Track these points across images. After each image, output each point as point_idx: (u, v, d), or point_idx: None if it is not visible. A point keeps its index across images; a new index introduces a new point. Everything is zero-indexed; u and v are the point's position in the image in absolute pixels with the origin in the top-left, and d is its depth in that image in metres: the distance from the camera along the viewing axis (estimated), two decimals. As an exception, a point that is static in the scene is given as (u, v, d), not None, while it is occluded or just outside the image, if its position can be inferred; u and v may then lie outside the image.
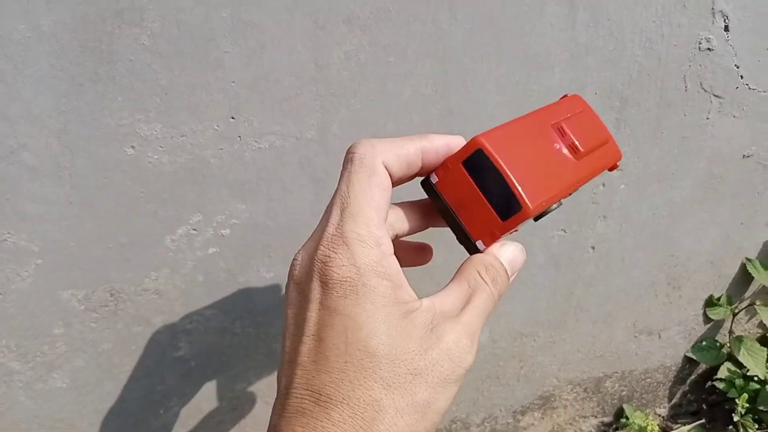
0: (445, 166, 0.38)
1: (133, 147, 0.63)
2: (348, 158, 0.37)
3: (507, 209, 0.37)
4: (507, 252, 0.40)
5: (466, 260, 0.39)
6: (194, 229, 0.69)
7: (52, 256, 0.65)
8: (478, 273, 0.38)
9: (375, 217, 0.35)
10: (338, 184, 0.37)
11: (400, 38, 0.67)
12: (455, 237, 0.40)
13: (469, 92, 0.73)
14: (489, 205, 0.37)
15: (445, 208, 0.39)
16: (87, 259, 0.66)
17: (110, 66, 0.59)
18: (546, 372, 1.05)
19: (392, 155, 0.37)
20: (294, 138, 0.68)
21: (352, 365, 0.32)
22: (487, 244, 0.39)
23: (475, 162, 0.37)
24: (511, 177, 0.36)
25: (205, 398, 0.79)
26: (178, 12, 0.59)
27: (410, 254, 0.46)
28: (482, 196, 0.37)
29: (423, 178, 0.40)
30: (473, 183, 0.37)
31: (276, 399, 0.34)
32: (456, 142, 0.39)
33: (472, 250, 0.40)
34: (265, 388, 0.82)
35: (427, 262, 0.47)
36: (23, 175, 0.61)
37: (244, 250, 0.72)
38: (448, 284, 0.38)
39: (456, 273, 0.39)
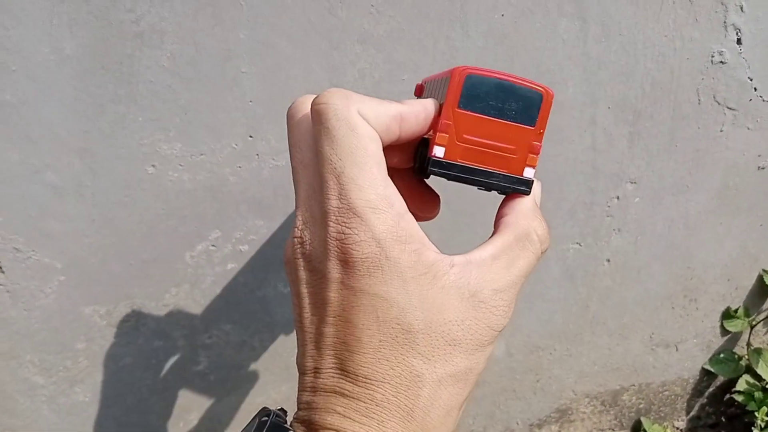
0: (444, 127, 0.34)
1: (153, 166, 0.64)
2: (317, 111, 0.32)
3: (529, 110, 0.34)
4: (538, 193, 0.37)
5: (512, 208, 0.36)
6: (213, 245, 0.70)
7: (75, 273, 0.66)
8: (534, 231, 0.35)
9: (378, 176, 0.31)
10: (315, 146, 0.32)
11: (413, 56, 0.68)
12: (485, 189, 0.36)
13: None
14: (513, 124, 0.34)
15: (470, 172, 0.35)
16: (109, 275, 0.68)
17: (131, 87, 0.61)
18: (563, 385, 1.04)
19: (369, 110, 0.32)
20: (310, 155, 0.69)
21: (387, 343, 0.31)
22: (534, 166, 0.35)
23: (472, 92, 0.33)
24: (515, 77, 0.34)
25: (225, 411, 0.80)
26: (196, 34, 0.60)
27: (414, 208, 0.37)
28: (502, 121, 0.34)
29: (418, 166, 0.36)
30: (485, 116, 0.34)
31: (303, 378, 0.33)
32: (432, 105, 0.35)
33: (512, 189, 0.36)
34: (284, 402, 0.83)
35: (435, 216, 0.42)
36: (47, 194, 0.62)
37: (262, 266, 0.73)
38: (493, 236, 0.35)
39: (502, 224, 0.35)
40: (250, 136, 0.66)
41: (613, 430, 1.15)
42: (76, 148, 0.61)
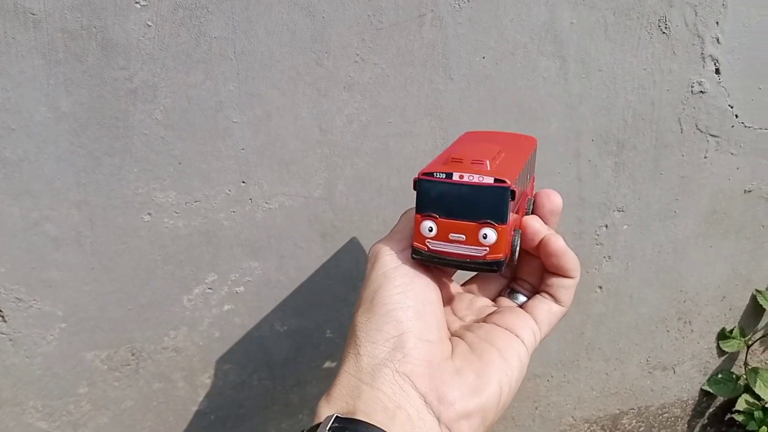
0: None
1: (149, 214, 0.66)
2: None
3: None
4: None
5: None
6: (210, 288, 0.72)
7: (76, 320, 0.68)
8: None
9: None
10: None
11: (399, 100, 0.70)
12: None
13: (469, 145, 0.76)
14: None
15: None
16: (109, 320, 0.69)
17: (126, 140, 0.63)
18: (561, 411, 1.05)
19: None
20: (302, 197, 0.71)
21: None
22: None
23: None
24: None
25: (226, 450, 0.82)
26: (188, 88, 0.63)
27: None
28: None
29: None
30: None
31: None
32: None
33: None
34: (284, 439, 0.84)
35: None
36: (47, 245, 0.64)
37: (258, 306, 0.75)
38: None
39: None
40: (243, 182, 0.68)
41: (613, 454, 1.16)
42: (75, 200, 0.64)
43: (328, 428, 0.36)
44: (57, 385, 0.70)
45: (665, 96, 0.83)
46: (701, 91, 0.85)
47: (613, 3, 0.75)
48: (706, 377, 1.16)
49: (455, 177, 0.40)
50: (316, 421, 0.39)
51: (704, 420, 1.22)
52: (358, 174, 0.73)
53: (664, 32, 0.79)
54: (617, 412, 1.11)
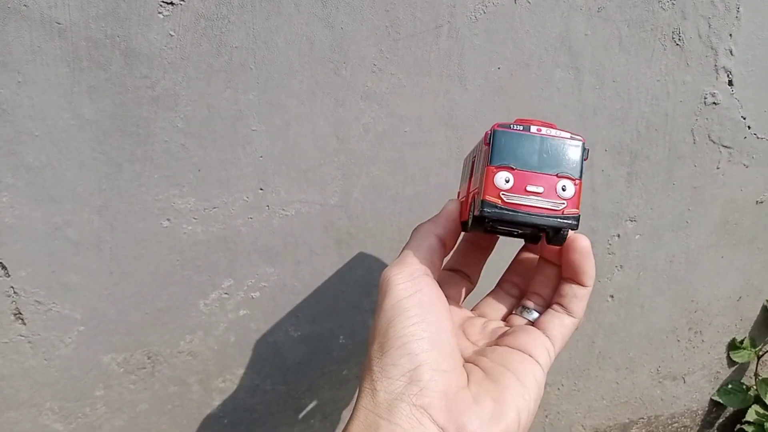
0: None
1: (168, 219, 0.67)
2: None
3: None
4: None
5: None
6: (226, 293, 0.73)
7: (94, 323, 0.69)
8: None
9: None
10: None
11: (414, 109, 0.71)
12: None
13: (483, 155, 0.77)
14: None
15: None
16: (126, 324, 0.70)
17: (147, 147, 0.64)
18: (571, 420, 1.06)
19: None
20: (318, 204, 0.72)
21: None
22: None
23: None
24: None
25: (239, 454, 0.82)
26: (209, 96, 0.64)
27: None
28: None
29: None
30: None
31: None
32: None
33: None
34: (296, 443, 0.85)
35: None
36: (67, 249, 0.65)
37: (273, 311, 0.76)
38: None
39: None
40: (261, 189, 0.69)
41: (623, 463, 1.16)
42: (96, 205, 0.65)
43: None
44: (74, 387, 0.71)
45: (678, 107, 0.84)
46: (714, 103, 0.85)
47: (628, 15, 0.76)
48: (716, 387, 1.16)
49: (533, 129, 0.40)
50: None
51: (714, 430, 1.22)
52: (374, 182, 0.73)
53: (677, 44, 0.80)
54: (627, 421, 1.11)
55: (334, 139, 0.70)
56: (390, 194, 0.75)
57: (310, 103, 0.67)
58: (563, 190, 0.39)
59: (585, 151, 0.40)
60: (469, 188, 0.47)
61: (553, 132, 0.40)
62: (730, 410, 1.20)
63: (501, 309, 0.52)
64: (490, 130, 0.41)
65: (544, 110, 0.77)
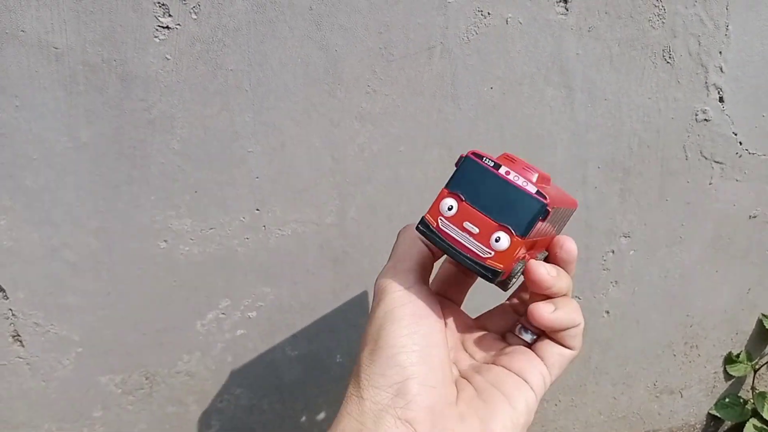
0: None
1: (165, 241, 0.68)
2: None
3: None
4: None
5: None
6: (223, 313, 0.73)
7: (92, 344, 0.69)
8: None
9: None
10: None
11: (409, 129, 0.72)
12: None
13: (477, 173, 0.78)
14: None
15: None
16: (124, 345, 0.71)
17: (144, 169, 0.65)
18: (569, 435, 1.06)
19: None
20: (314, 224, 0.73)
21: None
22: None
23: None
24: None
25: (237, 474, 0.82)
26: (204, 118, 0.65)
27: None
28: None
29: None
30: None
31: None
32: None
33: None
34: (294, 463, 0.85)
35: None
36: (65, 271, 0.66)
37: (269, 331, 0.76)
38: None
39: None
40: (257, 209, 0.70)
41: (621, 478, 1.16)
42: (93, 227, 0.65)
43: None
44: (72, 408, 0.71)
45: (670, 124, 0.85)
46: (705, 119, 0.86)
47: (618, 34, 0.77)
48: (714, 401, 1.16)
49: (502, 170, 0.38)
50: None
51: (712, 444, 1.22)
52: (369, 201, 0.74)
53: (668, 62, 0.81)
54: (625, 436, 1.11)
55: (329, 159, 0.70)
56: (385, 213, 0.75)
57: (305, 124, 0.68)
58: (496, 241, 0.38)
59: (543, 213, 0.38)
60: None
61: (520, 181, 0.38)
62: (727, 424, 1.20)
63: (503, 324, 0.51)
64: (464, 154, 0.40)
65: (537, 128, 0.78)
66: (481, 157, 0.39)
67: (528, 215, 0.38)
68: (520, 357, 0.45)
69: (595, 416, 1.06)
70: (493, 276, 0.39)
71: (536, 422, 1.01)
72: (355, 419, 0.39)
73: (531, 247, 0.42)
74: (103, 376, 0.71)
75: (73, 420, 0.72)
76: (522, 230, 0.38)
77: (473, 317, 0.52)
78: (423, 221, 0.40)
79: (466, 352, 0.48)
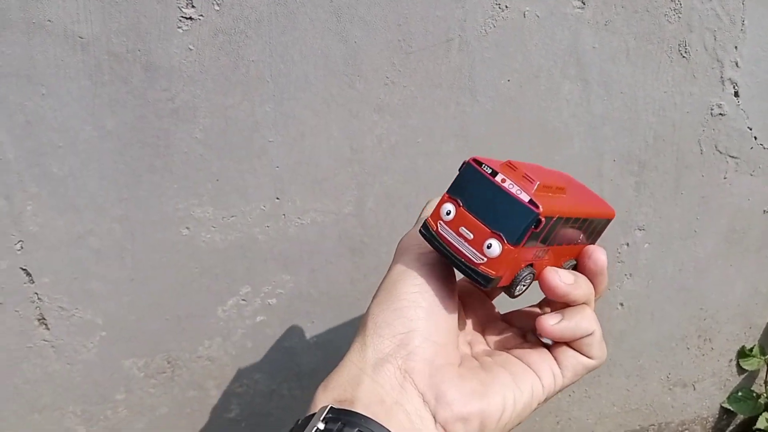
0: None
1: (187, 228, 0.69)
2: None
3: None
4: None
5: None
6: (243, 300, 0.75)
7: (115, 329, 0.71)
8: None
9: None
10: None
11: (427, 121, 0.73)
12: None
13: (494, 165, 0.79)
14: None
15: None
16: (146, 330, 0.72)
17: (167, 158, 0.66)
18: (582, 426, 1.07)
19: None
20: (333, 214, 0.74)
21: None
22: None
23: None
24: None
25: (255, 458, 0.84)
26: (226, 108, 0.66)
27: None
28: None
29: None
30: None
31: None
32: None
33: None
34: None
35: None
36: (90, 258, 0.68)
37: (289, 317, 0.78)
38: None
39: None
40: (277, 198, 0.71)
41: (633, 470, 1.16)
42: (117, 215, 0.67)
43: (321, 419, 0.36)
44: (96, 391, 0.73)
45: (686, 118, 0.85)
46: (721, 114, 0.87)
47: (635, 28, 0.78)
48: (726, 395, 1.17)
49: (498, 178, 0.39)
50: (312, 410, 0.39)
51: (724, 438, 1.22)
52: (387, 191, 0.75)
53: (684, 56, 0.81)
54: (638, 428, 1.12)
55: (348, 150, 0.72)
56: (403, 203, 0.77)
57: (324, 115, 0.69)
58: (488, 247, 0.38)
59: (535, 222, 0.37)
60: None
61: (514, 189, 0.38)
62: (740, 417, 1.21)
63: (528, 323, 0.50)
64: (466, 160, 0.40)
65: (553, 121, 0.78)
66: (480, 163, 0.39)
67: (520, 224, 0.38)
68: (535, 353, 0.45)
69: (608, 408, 1.07)
70: (484, 282, 0.39)
71: (550, 413, 1.02)
72: (355, 365, 0.40)
73: (546, 253, 0.42)
74: (127, 359, 0.73)
75: (96, 402, 0.74)
76: (514, 238, 0.38)
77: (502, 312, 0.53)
78: (425, 224, 0.41)
79: (484, 338, 0.49)
